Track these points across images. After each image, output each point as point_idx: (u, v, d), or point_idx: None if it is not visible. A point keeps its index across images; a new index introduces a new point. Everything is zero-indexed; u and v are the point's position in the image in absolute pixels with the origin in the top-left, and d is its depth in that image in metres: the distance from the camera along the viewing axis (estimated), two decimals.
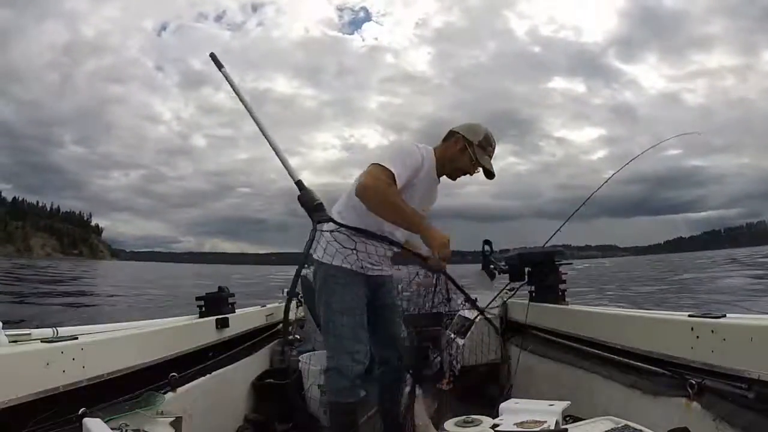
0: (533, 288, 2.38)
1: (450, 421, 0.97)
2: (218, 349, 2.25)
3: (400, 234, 1.79)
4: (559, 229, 2.26)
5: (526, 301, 2.38)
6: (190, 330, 2.09)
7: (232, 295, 2.53)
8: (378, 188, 1.58)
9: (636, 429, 0.88)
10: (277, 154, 1.86)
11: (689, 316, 1.38)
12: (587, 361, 1.87)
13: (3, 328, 1.33)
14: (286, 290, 3.67)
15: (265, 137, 1.91)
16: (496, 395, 2.34)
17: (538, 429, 0.91)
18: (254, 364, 2.60)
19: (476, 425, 0.94)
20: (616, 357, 1.71)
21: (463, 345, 2.68)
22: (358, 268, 1.74)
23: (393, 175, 1.57)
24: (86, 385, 1.35)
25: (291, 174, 1.80)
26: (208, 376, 2.00)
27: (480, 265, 2.76)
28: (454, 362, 2.83)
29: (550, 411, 0.99)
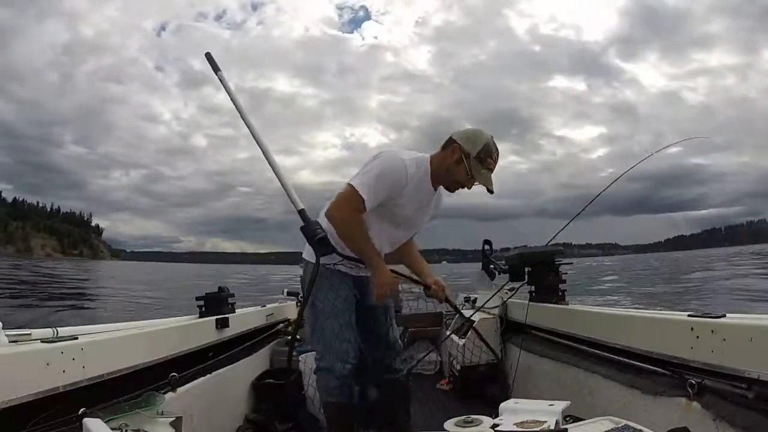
0: (533, 288, 2.38)
1: (450, 421, 0.96)
2: (218, 349, 2.25)
3: (388, 249, 1.82)
4: (563, 228, 2.25)
5: (526, 301, 2.38)
6: (190, 330, 2.09)
7: (232, 295, 2.54)
8: (338, 220, 1.65)
9: (636, 429, 0.88)
10: (280, 179, 1.78)
11: (689, 316, 1.38)
12: (587, 361, 1.87)
13: (3, 328, 1.32)
14: (286, 290, 3.68)
15: (267, 159, 1.83)
16: (497, 395, 2.34)
17: (538, 429, 0.90)
18: (254, 364, 2.60)
19: (476, 425, 0.93)
20: (616, 357, 1.71)
21: (463, 345, 2.68)
22: (346, 269, 1.76)
23: (362, 200, 1.59)
24: (86, 385, 1.35)
25: (294, 203, 1.72)
26: (208, 376, 2.00)
27: (480, 265, 2.77)
28: (454, 362, 2.83)
29: (550, 411, 0.99)
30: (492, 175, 1.68)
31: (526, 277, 2.38)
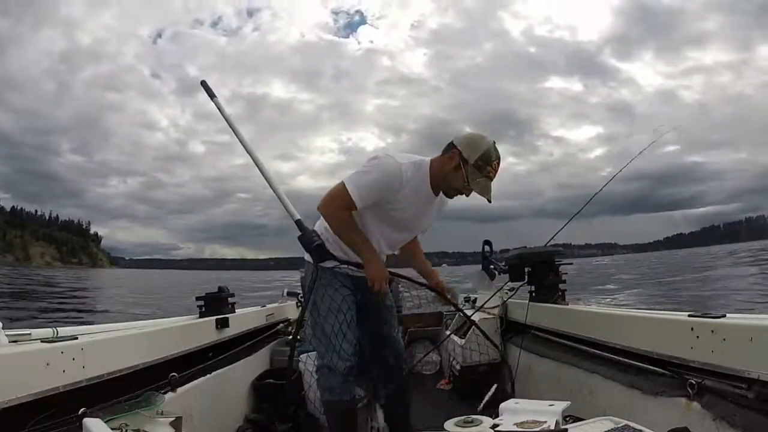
0: (533, 288, 2.38)
1: (450, 421, 0.97)
2: (218, 349, 2.25)
3: (387, 251, 1.83)
4: (562, 228, 2.26)
5: (526, 301, 2.38)
6: (190, 330, 2.09)
7: (232, 295, 2.54)
8: (326, 215, 1.69)
9: (636, 429, 0.88)
10: (275, 191, 1.83)
11: (689, 316, 1.38)
12: (587, 361, 1.87)
13: (3, 328, 1.32)
14: (286, 290, 3.68)
15: (262, 174, 1.87)
16: (497, 395, 2.34)
17: (538, 429, 0.90)
18: (254, 364, 2.60)
19: (476, 425, 0.94)
20: (616, 357, 1.70)
21: (463, 345, 2.68)
22: (346, 269, 1.76)
23: (351, 198, 1.60)
24: (86, 385, 1.35)
25: (291, 213, 1.77)
26: (208, 376, 2.00)
27: (480, 266, 2.77)
28: (454, 362, 2.83)
29: (550, 411, 0.99)
30: (492, 183, 1.64)
31: (526, 277, 2.38)
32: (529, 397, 1.08)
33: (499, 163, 1.64)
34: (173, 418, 1.37)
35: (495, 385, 2.45)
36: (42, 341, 1.33)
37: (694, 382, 1.29)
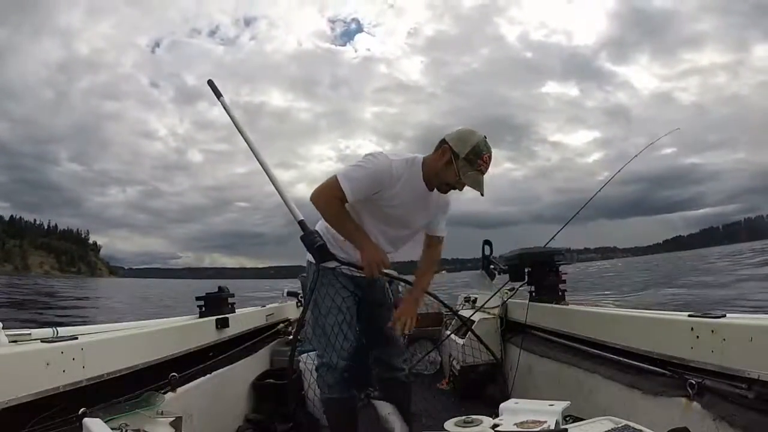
0: (533, 288, 2.38)
1: (450, 421, 0.96)
2: (218, 349, 2.25)
3: (389, 248, 1.82)
4: (560, 230, 2.26)
5: (526, 301, 2.38)
6: (190, 330, 2.09)
7: (232, 295, 2.54)
8: (318, 205, 1.70)
9: (636, 429, 0.88)
10: (280, 192, 1.85)
11: (689, 316, 1.38)
12: (587, 361, 1.87)
13: (3, 328, 1.32)
14: (286, 290, 3.68)
15: (267, 173, 1.90)
16: (497, 395, 2.34)
17: (538, 429, 0.90)
18: (254, 364, 2.60)
19: (476, 425, 0.93)
20: (616, 357, 1.71)
21: (463, 345, 2.68)
22: (347, 270, 1.77)
23: (342, 190, 1.62)
24: (86, 385, 1.35)
25: (294, 214, 1.80)
26: (208, 376, 2.00)
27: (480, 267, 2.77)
28: (454, 362, 2.83)
29: (550, 411, 0.98)
30: (485, 177, 1.64)
31: (526, 277, 2.38)
32: (529, 397, 1.08)
33: (490, 157, 1.65)
34: (173, 418, 1.37)
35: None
36: (42, 341, 1.33)
37: (694, 382, 1.29)
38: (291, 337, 3.02)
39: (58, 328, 1.61)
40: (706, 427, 1.21)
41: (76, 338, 1.40)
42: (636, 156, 2.31)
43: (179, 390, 1.73)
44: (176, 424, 1.36)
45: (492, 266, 2.67)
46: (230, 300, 2.50)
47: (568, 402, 1.02)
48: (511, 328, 2.64)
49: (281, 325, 3.13)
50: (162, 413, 1.37)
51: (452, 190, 1.72)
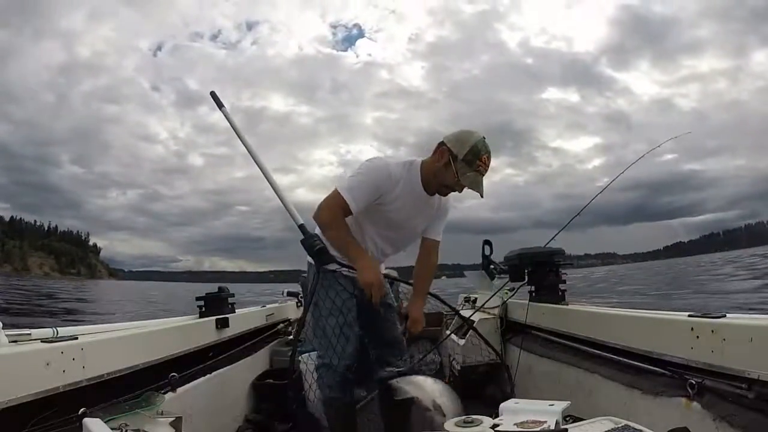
0: (533, 288, 2.38)
1: (450, 421, 0.97)
2: (218, 349, 2.25)
3: (390, 251, 1.85)
4: (560, 231, 2.26)
5: (526, 301, 2.38)
6: (190, 330, 2.09)
7: (232, 295, 2.54)
8: (321, 222, 1.70)
9: (636, 429, 0.88)
10: (279, 196, 1.85)
11: (689, 316, 1.38)
12: (587, 361, 1.87)
13: (3, 328, 1.32)
14: (286, 291, 3.68)
15: (267, 179, 1.90)
16: (497, 395, 2.34)
17: (538, 429, 0.90)
18: (254, 364, 2.60)
19: (476, 425, 0.93)
20: (616, 357, 1.71)
21: (463, 345, 2.68)
22: (347, 272, 1.77)
23: (346, 203, 1.62)
24: (86, 385, 1.35)
25: (294, 218, 1.80)
26: (208, 376, 2.00)
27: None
28: (454, 362, 2.83)
29: (550, 411, 0.98)
30: (484, 178, 1.63)
31: (526, 277, 2.37)
32: (529, 397, 1.08)
33: (489, 158, 1.62)
34: (173, 418, 1.37)
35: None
36: (42, 341, 1.33)
37: (694, 382, 1.29)
38: (291, 337, 3.03)
39: (58, 328, 1.61)
40: (706, 427, 1.21)
41: (76, 338, 1.40)
42: (641, 158, 2.30)
43: (179, 390, 1.73)
44: (176, 424, 1.36)
45: (492, 266, 2.67)
46: (230, 300, 2.50)
47: (568, 402, 1.02)
48: (511, 328, 2.64)
49: (281, 325, 3.13)
50: (162, 413, 1.37)
51: (451, 192, 1.72)
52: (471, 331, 2.60)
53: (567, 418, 1.01)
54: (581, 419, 0.98)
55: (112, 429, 1.09)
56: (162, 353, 1.77)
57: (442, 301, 2.31)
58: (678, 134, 2.41)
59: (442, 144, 1.65)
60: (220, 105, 2.08)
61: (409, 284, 1.98)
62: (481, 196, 1.64)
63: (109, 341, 1.56)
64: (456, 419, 0.97)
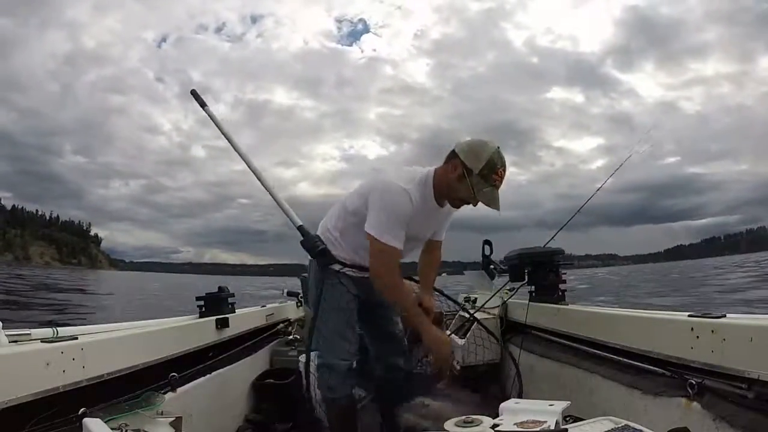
0: (533, 288, 2.38)
1: (450, 421, 0.97)
2: (218, 349, 2.25)
3: None
4: (559, 230, 2.26)
5: (526, 301, 2.38)
6: (190, 330, 2.09)
7: (232, 295, 2.54)
8: (388, 286, 1.65)
9: (636, 429, 0.88)
10: (275, 198, 1.84)
11: (689, 316, 1.38)
12: (587, 361, 1.87)
13: (3, 328, 1.32)
14: (286, 290, 3.68)
15: (260, 180, 1.88)
16: (497, 395, 2.34)
17: (538, 429, 0.90)
18: (254, 364, 2.60)
19: (476, 425, 0.93)
20: (616, 357, 1.70)
21: (463, 345, 2.68)
22: (350, 272, 1.77)
23: (398, 251, 1.59)
24: (86, 385, 1.35)
25: (292, 220, 1.79)
26: (208, 376, 2.00)
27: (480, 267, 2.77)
28: (454, 362, 2.83)
29: (550, 411, 0.98)
30: (499, 190, 1.58)
31: (526, 277, 2.38)
32: (529, 397, 1.08)
33: (505, 170, 1.56)
34: (173, 418, 1.37)
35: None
36: (42, 341, 1.33)
37: (694, 382, 1.29)
38: (293, 337, 3.03)
39: (58, 328, 1.61)
40: (706, 427, 1.21)
41: (76, 338, 1.40)
42: (626, 160, 2.31)
43: (179, 390, 1.73)
44: (176, 424, 1.36)
45: (492, 266, 2.67)
46: (230, 300, 2.50)
47: (568, 402, 1.02)
48: (511, 328, 2.64)
49: (281, 325, 3.13)
50: (162, 413, 1.37)
51: (466, 205, 1.68)
52: (471, 331, 2.60)
53: (567, 418, 1.01)
54: (581, 419, 0.98)
55: (112, 429, 1.10)
56: (162, 353, 1.77)
57: (447, 296, 2.31)
58: (648, 131, 2.42)
59: (454, 155, 1.59)
60: (202, 104, 2.02)
61: (415, 280, 1.98)
62: (498, 211, 1.58)
63: (109, 341, 1.56)
64: (456, 419, 0.97)
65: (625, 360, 1.65)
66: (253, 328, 2.74)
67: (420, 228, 1.72)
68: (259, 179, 1.91)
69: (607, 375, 1.71)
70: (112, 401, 1.38)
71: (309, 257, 1.83)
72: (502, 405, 1.05)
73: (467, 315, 2.62)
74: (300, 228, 1.77)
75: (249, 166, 1.91)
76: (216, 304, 2.40)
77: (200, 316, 2.33)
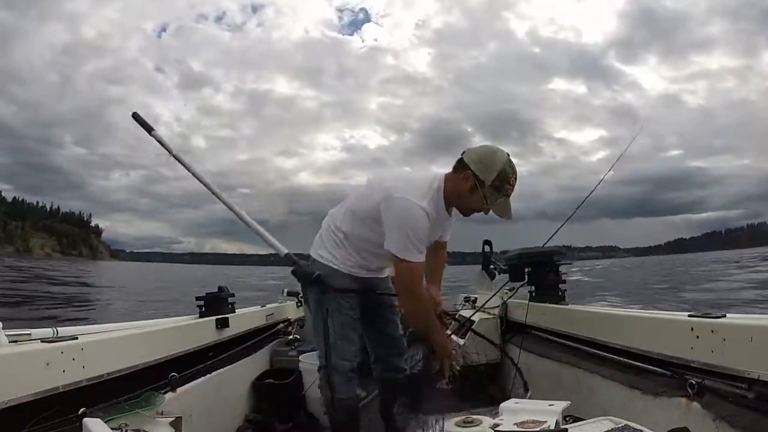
0: (533, 288, 2.38)
1: (450, 421, 0.97)
2: (218, 349, 2.25)
3: (388, 271, 1.84)
4: (560, 228, 2.25)
5: (526, 301, 2.38)
6: (190, 330, 2.09)
7: (232, 294, 2.54)
8: (418, 311, 1.67)
9: (636, 429, 0.88)
10: (253, 227, 1.73)
11: (689, 316, 1.38)
12: (587, 361, 1.87)
13: (3, 328, 1.33)
14: (286, 290, 3.68)
15: (235, 212, 1.74)
16: (497, 395, 2.34)
17: (538, 429, 0.91)
18: (254, 364, 2.60)
19: (476, 425, 0.94)
20: (616, 357, 1.71)
21: (463, 345, 2.68)
22: (351, 272, 1.77)
23: (422, 265, 1.60)
24: (86, 385, 1.35)
25: (277, 249, 1.69)
26: (208, 376, 2.00)
27: (480, 266, 2.77)
28: (454, 362, 2.83)
29: (550, 411, 0.99)
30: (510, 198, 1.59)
31: (526, 277, 2.38)
32: (529, 398, 1.08)
33: (516, 178, 1.57)
34: (173, 418, 1.37)
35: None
36: (42, 341, 1.33)
37: (694, 382, 1.29)
38: (293, 336, 3.03)
39: (58, 328, 1.61)
40: (706, 427, 1.21)
41: (76, 338, 1.40)
42: (622, 155, 2.29)
43: (179, 390, 1.73)
44: (176, 424, 1.37)
45: (492, 266, 2.67)
46: (230, 300, 2.51)
47: (568, 402, 1.03)
48: (511, 328, 2.64)
49: (281, 324, 3.13)
50: (162, 413, 1.37)
51: (476, 213, 1.68)
52: (471, 331, 2.61)
53: (567, 418, 1.01)
54: (581, 419, 0.98)
55: (112, 429, 1.10)
56: (162, 353, 1.77)
57: (450, 315, 2.30)
58: (641, 128, 2.41)
59: (464, 166, 1.57)
60: (148, 129, 1.81)
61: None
62: (510, 220, 1.60)
63: (109, 341, 1.56)
64: (456, 419, 0.97)
65: (625, 360, 1.65)
66: (253, 328, 2.74)
67: (430, 237, 1.71)
68: (232, 210, 1.77)
69: (607, 375, 1.71)
70: (112, 401, 1.38)
71: (310, 253, 1.81)
72: (502, 405, 1.05)
73: (466, 317, 2.62)
74: (287, 256, 1.66)
75: (219, 198, 1.77)
76: (216, 304, 2.40)
77: (200, 316, 2.33)
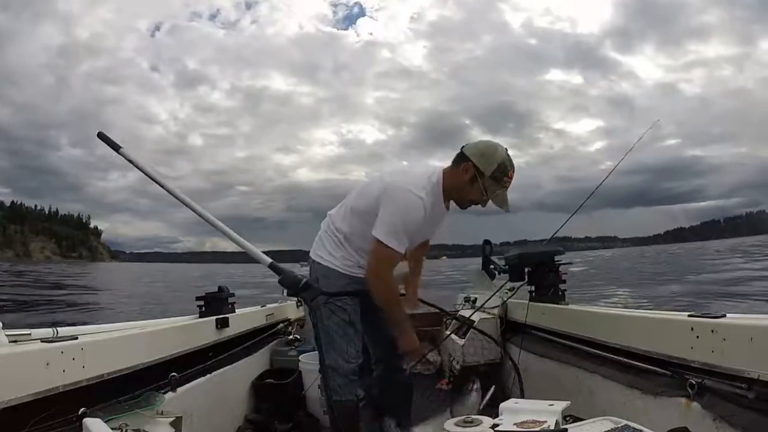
0: (533, 288, 2.38)
1: (450, 421, 0.97)
2: (218, 349, 2.25)
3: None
4: (561, 226, 2.24)
5: (526, 301, 2.38)
6: (190, 330, 2.09)
7: (232, 294, 2.54)
8: (381, 289, 1.67)
9: (636, 429, 0.88)
10: (234, 239, 1.64)
11: (689, 315, 1.38)
12: (587, 361, 1.87)
13: (3, 328, 1.33)
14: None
15: (216, 226, 1.66)
16: (497, 395, 2.34)
17: (538, 429, 0.91)
18: (254, 364, 2.60)
19: (476, 425, 0.94)
20: (616, 357, 1.71)
21: (463, 345, 2.68)
22: (350, 273, 1.77)
23: (396, 252, 1.61)
24: (86, 385, 1.35)
25: (260, 260, 1.63)
26: (208, 376, 2.00)
27: (479, 260, 2.78)
28: (454, 362, 2.83)
29: (550, 411, 0.99)
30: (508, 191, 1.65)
31: (526, 277, 2.38)
32: (529, 397, 1.08)
33: (514, 172, 1.63)
34: (173, 418, 1.37)
35: (494, 386, 2.45)
36: (42, 341, 1.33)
37: (694, 382, 1.29)
38: (293, 336, 3.03)
39: (58, 328, 1.61)
40: (706, 427, 1.21)
41: (76, 338, 1.40)
42: (631, 149, 2.28)
43: (179, 390, 1.73)
44: (176, 424, 1.37)
45: (492, 266, 2.67)
46: (230, 300, 2.50)
47: (568, 402, 1.03)
48: (511, 328, 2.64)
49: (281, 324, 3.14)
50: (162, 413, 1.37)
51: (474, 206, 1.71)
52: (471, 331, 2.61)
53: (567, 418, 1.01)
54: (581, 419, 0.98)
55: (112, 429, 1.10)
56: (162, 353, 1.77)
57: (440, 309, 2.30)
58: (653, 123, 2.40)
59: (465, 157, 1.63)
60: (115, 147, 1.71)
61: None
62: (507, 212, 1.67)
63: (109, 341, 1.56)
64: (456, 419, 0.97)
65: (625, 360, 1.65)
66: (253, 328, 2.74)
67: (421, 234, 1.74)
68: (211, 223, 1.69)
69: (607, 375, 1.71)
70: (112, 401, 1.38)
71: (313, 258, 1.81)
72: (502, 405, 1.05)
73: (465, 317, 2.62)
74: (272, 266, 1.59)
75: (197, 212, 1.68)
76: (216, 304, 2.40)
77: (200, 316, 2.33)
